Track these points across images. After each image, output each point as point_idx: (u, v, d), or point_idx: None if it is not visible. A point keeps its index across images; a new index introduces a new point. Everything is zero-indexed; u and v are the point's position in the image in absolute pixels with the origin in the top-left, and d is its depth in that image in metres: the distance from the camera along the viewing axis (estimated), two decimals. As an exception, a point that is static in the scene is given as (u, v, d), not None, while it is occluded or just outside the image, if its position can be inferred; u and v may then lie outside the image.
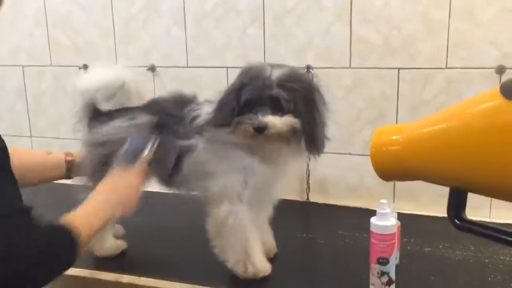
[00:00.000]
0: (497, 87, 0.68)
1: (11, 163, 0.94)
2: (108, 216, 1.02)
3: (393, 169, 0.79)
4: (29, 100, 2.01)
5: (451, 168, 0.72)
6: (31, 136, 2.03)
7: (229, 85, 1.14)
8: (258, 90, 1.05)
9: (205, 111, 1.16)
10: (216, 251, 1.18)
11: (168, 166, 1.16)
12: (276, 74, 1.06)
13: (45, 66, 1.95)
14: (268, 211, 1.27)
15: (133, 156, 1.14)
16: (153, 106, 1.24)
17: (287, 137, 1.08)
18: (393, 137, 0.79)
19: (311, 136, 1.09)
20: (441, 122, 0.73)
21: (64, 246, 0.87)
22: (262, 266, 1.19)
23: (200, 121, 1.16)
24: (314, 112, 1.09)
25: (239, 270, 1.17)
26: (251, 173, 1.14)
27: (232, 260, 1.17)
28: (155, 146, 1.15)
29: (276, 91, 1.05)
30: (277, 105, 1.06)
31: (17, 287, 0.78)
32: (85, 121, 1.26)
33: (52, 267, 0.85)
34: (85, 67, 1.86)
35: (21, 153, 1.20)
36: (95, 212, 0.99)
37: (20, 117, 2.02)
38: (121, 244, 1.34)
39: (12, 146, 1.04)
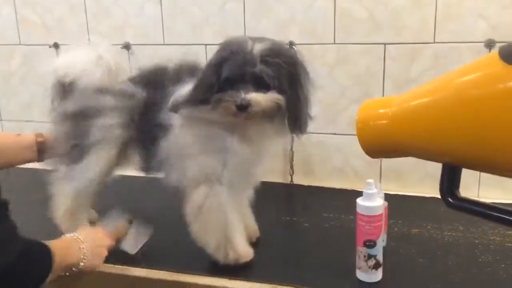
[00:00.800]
0: (494, 52, 0.62)
1: None
2: (76, 260, 1.01)
3: (381, 144, 0.73)
4: (-3, 82, 1.91)
5: (444, 142, 0.66)
6: (1, 120, 1.94)
7: (208, 60, 1.07)
8: (240, 66, 0.98)
9: (185, 88, 1.09)
10: (194, 236, 1.12)
11: (131, 251, 1.18)
12: (258, 48, 0.99)
13: (14, 45, 1.85)
14: (248, 194, 1.22)
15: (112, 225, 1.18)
16: (144, 76, 1.19)
17: (271, 115, 1.02)
18: (381, 111, 0.72)
19: (295, 114, 1.03)
20: (433, 92, 0.67)
21: (39, 257, 0.87)
22: (243, 251, 1.13)
23: (177, 99, 1.08)
24: (298, 89, 1.03)
25: (219, 256, 1.11)
26: (231, 153, 1.07)
27: (212, 245, 1.11)
28: (129, 229, 1.19)
29: (259, 67, 0.98)
30: (260, 81, 0.99)
31: None
32: (58, 99, 1.20)
33: (26, 274, 0.84)
34: (56, 45, 1.77)
35: None
36: (67, 248, 0.99)
37: (-12, 99, 1.93)
38: None
39: None
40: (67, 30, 1.77)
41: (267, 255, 1.18)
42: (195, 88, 1.05)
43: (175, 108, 1.07)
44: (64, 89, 1.19)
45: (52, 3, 1.76)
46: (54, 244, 0.94)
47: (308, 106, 1.06)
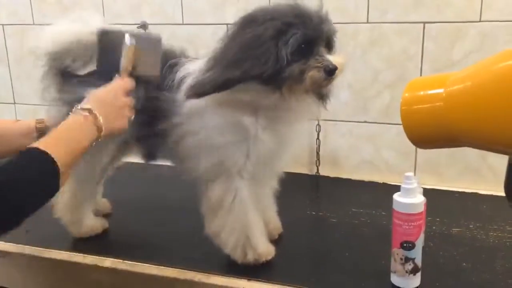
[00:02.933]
0: None
1: None
2: (92, 136, 0.89)
3: (432, 131, 0.60)
4: (11, 64, 1.83)
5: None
6: (14, 103, 1.87)
7: (248, 37, 0.89)
8: (317, 26, 0.88)
9: (195, 71, 0.96)
10: (211, 234, 1.02)
11: (155, 68, 0.99)
12: (323, 8, 0.91)
13: (27, 24, 1.76)
14: (272, 186, 1.10)
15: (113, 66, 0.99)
16: None
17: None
18: (433, 91, 0.60)
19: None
20: (506, 69, 0.54)
21: (36, 170, 0.79)
22: (264, 250, 1.02)
23: (202, 80, 0.92)
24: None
25: (237, 255, 1.01)
26: (255, 142, 0.95)
27: (230, 244, 1.01)
28: (130, 45, 0.98)
29: (332, 26, 0.91)
30: (329, 42, 0.91)
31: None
32: (54, 85, 1.09)
33: (34, 194, 0.79)
34: (70, 25, 1.68)
35: None
36: (73, 135, 0.87)
37: (1, 82, 1.85)
38: (103, 223, 1.18)
39: None
40: (83, 10, 1.68)
41: (290, 254, 1.07)
42: (248, 63, 0.87)
43: (202, 91, 0.91)
44: (61, 74, 1.08)
45: (67, -20, 1.67)
46: (50, 139, 0.85)
47: None
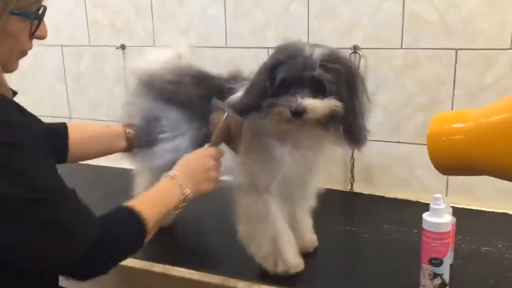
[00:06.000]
0: None
1: (69, 140, 1.11)
2: (178, 202, 0.96)
3: (454, 161, 0.68)
4: (68, 81, 1.98)
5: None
6: (70, 118, 2.01)
7: (261, 63, 1.04)
8: (298, 70, 0.95)
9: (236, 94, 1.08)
10: (242, 240, 1.11)
11: (238, 141, 1.04)
12: (318, 53, 0.96)
13: (83, 46, 1.91)
14: (306, 203, 1.18)
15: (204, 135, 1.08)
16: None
17: (326, 123, 0.98)
18: (455, 125, 0.67)
19: (351, 124, 0.98)
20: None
21: (129, 228, 0.87)
22: (293, 262, 1.10)
23: (230, 105, 1.05)
24: (355, 98, 0.99)
25: (268, 265, 1.10)
26: (280, 164, 1.05)
27: (260, 254, 1.10)
28: (221, 122, 1.03)
29: (318, 72, 0.94)
30: (318, 86, 0.95)
31: (81, 269, 0.82)
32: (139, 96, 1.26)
33: (123, 249, 0.86)
34: (123, 47, 1.82)
35: (81, 126, 1.24)
36: (163, 199, 0.95)
37: (59, 98, 2.01)
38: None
39: (71, 122, 1.20)
40: (134, 32, 1.82)
41: (324, 266, 1.15)
42: (247, 93, 1.03)
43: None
44: (146, 86, 1.25)
45: (121, 6, 1.81)
46: (143, 200, 0.92)
47: (365, 118, 1.01)
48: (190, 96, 1.14)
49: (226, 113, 1.01)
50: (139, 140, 1.22)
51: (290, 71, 0.95)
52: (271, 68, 0.98)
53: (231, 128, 1.01)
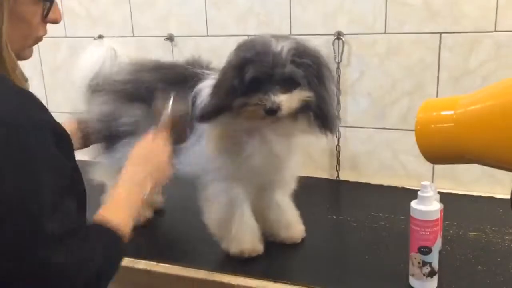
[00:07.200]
0: None
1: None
2: (142, 196, 0.92)
3: (443, 150, 0.66)
4: (44, 74, 1.93)
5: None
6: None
7: (226, 62, 1.01)
8: (268, 67, 0.94)
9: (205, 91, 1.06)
10: (211, 230, 1.13)
11: (184, 129, 1.05)
12: (286, 48, 0.95)
13: (60, 37, 1.86)
14: (285, 188, 1.17)
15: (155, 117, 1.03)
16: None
17: (297, 114, 0.99)
18: (445, 112, 0.65)
19: (323, 112, 1.00)
20: (509, 93, 0.59)
21: (116, 249, 0.82)
22: (248, 247, 1.11)
23: (201, 107, 1.04)
24: (323, 87, 1.00)
25: (223, 246, 1.12)
26: (249, 157, 1.04)
27: (218, 235, 1.13)
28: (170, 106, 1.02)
29: (289, 68, 0.94)
30: (288, 81, 0.95)
31: None
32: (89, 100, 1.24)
33: (111, 272, 0.81)
34: (100, 37, 1.76)
35: None
36: (128, 200, 0.90)
37: (37, 92, 1.93)
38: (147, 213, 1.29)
39: None
40: (112, 22, 1.77)
41: (311, 256, 1.14)
42: (214, 94, 1.01)
43: (203, 119, 1.03)
44: (94, 90, 1.23)
45: (97, -6, 1.76)
46: (109, 208, 0.87)
47: (334, 104, 1.05)
48: (152, 89, 1.11)
49: (171, 99, 1.00)
50: (97, 138, 1.20)
51: (260, 69, 0.94)
52: (238, 67, 0.96)
53: (175, 116, 1.01)
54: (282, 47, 0.94)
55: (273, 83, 0.94)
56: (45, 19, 0.82)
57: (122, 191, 0.91)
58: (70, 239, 0.71)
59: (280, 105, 0.93)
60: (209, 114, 1.01)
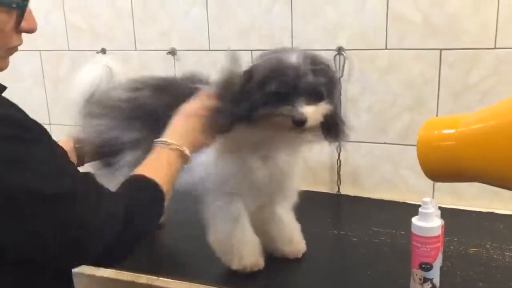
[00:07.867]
0: None
1: None
2: (179, 165, 0.93)
3: (445, 168, 0.67)
4: (47, 86, 1.94)
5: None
6: (50, 124, 1.96)
7: (246, 75, 0.99)
8: (291, 79, 0.94)
9: None
10: (212, 246, 1.13)
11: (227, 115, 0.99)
12: (303, 59, 0.96)
13: (63, 50, 1.87)
14: (287, 204, 1.18)
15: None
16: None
17: (318, 126, 1.00)
18: (446, 131, 0.66)
19: (334, 121, 1.02)
20: (510, 113, 0.60)
21: (151, 201, 0.85)
22: (250, 262, 1.10)
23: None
24: (335, 97, 1.03)
25: (225, 262, 1.12)
26: (252, 172, 1.05)
27: (219, 251, 1.12)
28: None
29: (311, 78, 0.95)
30: (312, 93, 0.96)
31: (108, 258, 0.79)
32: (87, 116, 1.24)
33: (151, 218, 0.84)
34: (103, 51, 1.78)
35: None
36: (166, 163, 0.91)
37: (39, 103, 1.96)
38: None
39: None
40: (114, 36, 1.78)
41: (313, 271, 1.14)
42: (235, 105, 0.98)
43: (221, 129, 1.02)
44: (89, 110, 1.23)
45: (100, 9, 1.77)
46: (149, 170, 0.88)
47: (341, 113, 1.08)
48: (154, 107, 1.11)
49: None
50: (92, 157, 1.19)
51: (284, 82, 0.94)
52: (261, 81, 0.96)
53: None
54: (298, 58, 0.96)
55: (298, 95, 0.94)
56: (17, 28, 0.78)
57: (160, 158, 0.92)
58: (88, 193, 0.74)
59: (308, 117, 0.94)
60: (227, 121, 0.98)
